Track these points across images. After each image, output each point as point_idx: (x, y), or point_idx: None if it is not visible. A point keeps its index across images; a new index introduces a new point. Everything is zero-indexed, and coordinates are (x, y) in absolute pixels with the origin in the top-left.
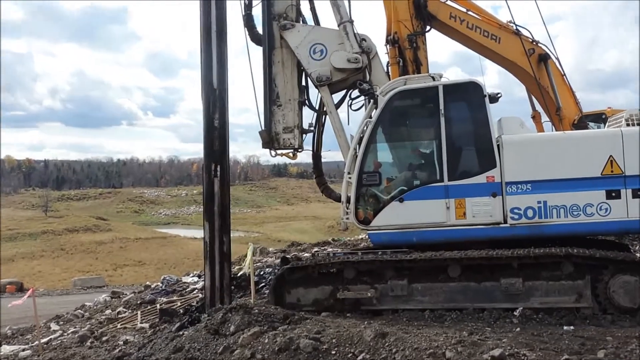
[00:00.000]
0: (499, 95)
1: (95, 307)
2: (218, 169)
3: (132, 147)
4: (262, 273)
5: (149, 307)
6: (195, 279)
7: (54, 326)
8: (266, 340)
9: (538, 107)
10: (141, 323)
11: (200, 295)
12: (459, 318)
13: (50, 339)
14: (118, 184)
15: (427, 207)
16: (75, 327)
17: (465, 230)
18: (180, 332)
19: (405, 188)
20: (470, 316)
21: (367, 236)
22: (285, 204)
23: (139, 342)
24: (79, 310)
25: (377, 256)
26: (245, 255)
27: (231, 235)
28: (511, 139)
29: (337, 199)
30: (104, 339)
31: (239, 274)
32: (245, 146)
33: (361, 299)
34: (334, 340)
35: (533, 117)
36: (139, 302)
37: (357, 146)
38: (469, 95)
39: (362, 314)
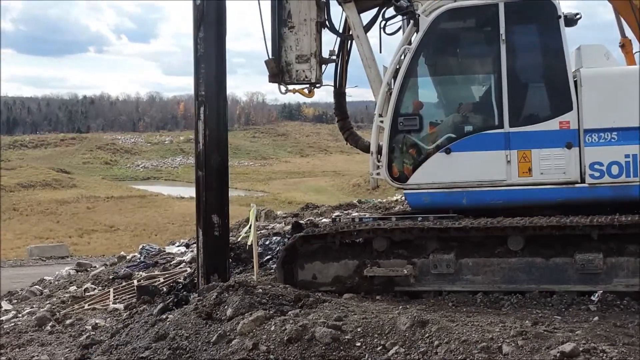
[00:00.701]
0: (577, 16)
1: (56, 283)
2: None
3: (101, 81)
4: (267, 243)
5: (123, 284)
6: (183, 249)
7: (5, 305)
8: (272, 328)
9: (629, 33)
10: (114, 303)
11: (189, 270)
12: (521, 303)
13: (2, 320)
14: (84, 128)
15: (482, 160)
16: (32, 307)
17: (530, 191)
18: (164, 316)
19: (453, 136)
20: (535, 301)
21: (403, 197)
22: (298, 155)
23: (111, 327)
24: (37, 286)
25: (415, 222)
26: (247, 220)
27: (229, 194)
28: (593, 73)
29: (366, 148)
30: (68, 322)
31: (238, 243)
32: (246, 80)
33: (395, 278)
34: (359, 330)
35: (622, 46)
36: (111, 277)
37: (392, 81)
38: (538, 16)
39: (396, 297)
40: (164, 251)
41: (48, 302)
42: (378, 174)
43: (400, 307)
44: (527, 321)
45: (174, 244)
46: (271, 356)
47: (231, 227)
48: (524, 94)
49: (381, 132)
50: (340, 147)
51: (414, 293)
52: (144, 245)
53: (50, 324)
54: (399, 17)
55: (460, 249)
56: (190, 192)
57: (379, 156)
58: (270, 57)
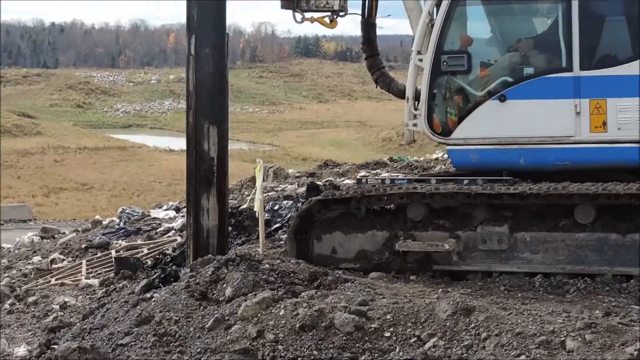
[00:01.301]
0: None
1: (17, 252)
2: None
3: (73, 6)
4: (276, 208)
5: (98, 255)
6: (172, 213)
7: None
8: (281, 312)
9: None
10: (87, 278)
11: (179, 239)
12: (589, 289)
13: None
14: (52, 63)
15: (544, 111)
16: None
17: (604, 151)
18: (148, 295)
19: (509, 79)
20: (608, 287)
21: (445, 154)
22: (315, 100)
23: (83, 307)
24: None
25: (460, 186)
26: (251, 180)
27: (229, 147)
28: None
29: (400, 93)
30: (31, 300)
31: (240, 208)
32: (251, 7)
33: (433, 254)
34: (388, 317)
35: None
36: (83, 246)
37: (434, 10)
38: None
39: (434, 278)
40: (149, 216)
41: (6, 275)
42: (415, 125)
43: (440, 290)
44: (597, 311)
45: (160, 208)
46: (279, 346)
47: (231, 188)
48: (600, 30)
49: (419, 74)
50: (367, 91)
51: (457, 273)
52: (124, 208)
53: (9, 302)
54: None
55: (516, 221)
56: (181, 143)
57: (416, 103)
58: None
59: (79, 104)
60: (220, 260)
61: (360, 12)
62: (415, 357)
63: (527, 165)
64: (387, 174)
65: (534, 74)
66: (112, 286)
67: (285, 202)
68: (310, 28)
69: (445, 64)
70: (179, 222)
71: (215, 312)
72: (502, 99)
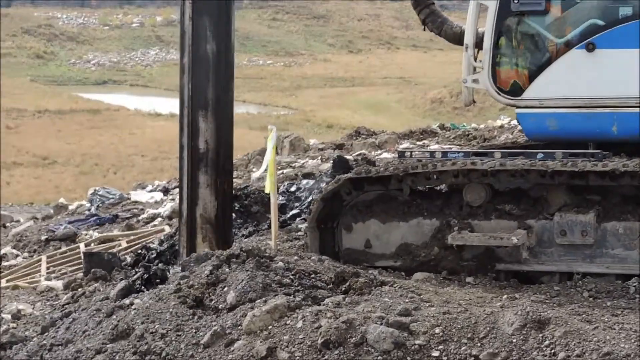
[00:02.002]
0: None
1: None
2: None
3: None
4: (293, 189)
5: (63, 250)
6: (159, 195)
7: None
8: (299, 324)
9: None
10: (48, 279)
11: (168, 229)
12: None
13: None
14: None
15: None
16: None
17: None
18: (126, 301)
19: (600, 23)
20: None
21: (514, 120)
22: (345, 50)
23: (42, 316)
24: None
25: (533, 161)
26: (261, 154)
27: (235, 110)
28: None
29: (456, 39)
30: None
31: (246, 190)
32: None
33: (497, 250)
34: (437, 331)
35: None
36: (43, 237)
37: None
38: None
39: (498, 280)
40: (129, 199)
41: None
42: (475, 81)
43: (505, 296)
44: None
45: (143, 188)
46: None
47: (235, 164)
48: None
49: (483, 15)
50: (412, 38)
51: (528, 275)
52: (97, 189)
53: None
54: None
55: (605, 207)
56: (171, 105)
57: (477, 52)
58: None
59: (39, 54)
60: (220, 257)
61: None
62: None
63: (621, 134)
64: (437, 146)
65: (632, 16)
66: (80, 290)
67: (304, 181)
68: None
69: (516, 2)
70: (167, 207)
71: (214, 323)
72: (591, 47)
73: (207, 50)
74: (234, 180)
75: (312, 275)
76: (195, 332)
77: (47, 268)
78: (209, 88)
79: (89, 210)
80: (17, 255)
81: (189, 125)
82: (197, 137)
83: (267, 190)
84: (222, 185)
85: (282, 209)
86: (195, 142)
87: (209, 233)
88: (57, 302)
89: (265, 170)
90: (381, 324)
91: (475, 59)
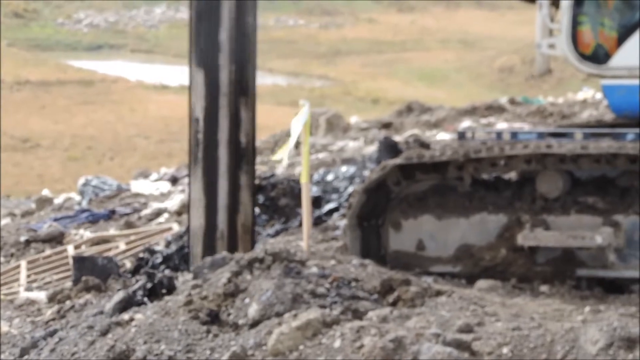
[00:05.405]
0: None
1: None
2: None
3: None
4: (330, 178)
5: (47, 253)
6: (165, 186)
7: None
8: (337, 343)
9: None
10: (28, 290)
11: (177, 228)
12: None
13: None
14: None
15: None
16: None
17: None
18: (126, 316)
19: None
20: None
21: (598, 93)
22: (394, 8)
23: (21, 335)
24: None
25: (622, 144)
26: (288, 135)
27: (257, 82)
28: None
29: None
30: None
31: (272, 179)
32: None
33: (578, 252)
34: (504, 351)
35: None
36: (23, 238)
37: None
38: None
39: (579, 289)
40: (129, 190)
41: None
42: (551, 46)
43: (588, 309)
44: None
45: (147, 177)
46: None
47: (259, 148)
48: None
49: None
50: None
51: (615, 282)
52: (89, 178)
53: None
54: None
55: None
56: (181, 75)
57: (554, 11)
58: None
59: (17, 12)
60: (240, 261)
61: None
62: None
63: None
64: (505, 125)
65: None
66: (67, 303)
67: (344, 168)
68: None
69: None
70: (176, 201)
71: (232, 342)
72: None
73: (249, 23)
74: (258, 167)
75: (353, 284)
76: (210, 354)
77: (28, 276)
78: (249, 69)
79: (80, 204)
80: None
81: (231, 117)
82: (239, 130)
83: (302, 180)
84: (242, 173)
85: (317, 202)
86: (237, 137)
87: (247, 245)
88: (39, 318)
89: (296, 154)
90: (437, 342)
91: (551, 20)
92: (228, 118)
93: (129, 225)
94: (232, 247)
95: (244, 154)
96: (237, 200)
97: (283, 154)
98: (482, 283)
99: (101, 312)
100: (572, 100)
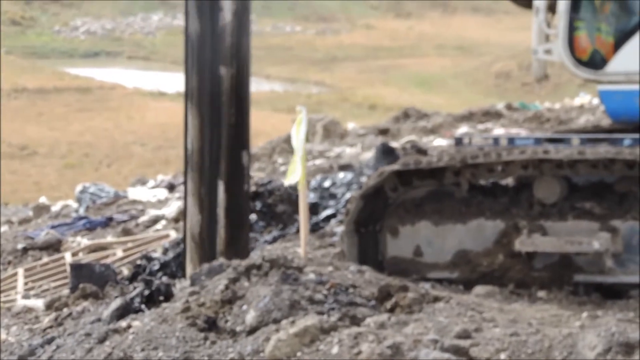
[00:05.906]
0: None
1: None
2: None
3: None
4: (327, 185)
5: (45, 261)
6: (162, 193)
7: None
8: (335, 350)
9: None
10: (26, 298)
11: (174, 235)
12: None
13: None
14: None
15: None
16: None
17: None
18: (123, 323)
19: None
20: None
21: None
22: (391, 13)
23: (19, 343)
24: None
25: (619, 149)
26: (287, 142)
27: (251, 89)
28: None
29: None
30: None
31: (269, 185)
32: None
33: (576, 257)
34: (502, 357)
35: None
36: (20, 246)
37: None
38: None
39: (576, 295)
40: (126, 197)
41: None
42: (548, 52)
43: (585, 314)
44: None
45: (144, 184)
46: None
47: (257, 153)
48: None
49: None
50: None
51: (613, 288)
52: (86, 185)
53: None
54: None
55: None
56: (177, 82)
57: (550, 16)
58: None
59: (15, 20)
60: (238, 268)
61: None
62: None
63: None
64: (502, 130)
65: None
66: (65, 310)
67: (341, 174)
68: None
69: None
70: (173, 208)
71: (230, 349)
72: None
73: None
74: (255, 173)
75: (350, 290)
76: None
77: (25, 283)
78: (243, 75)
79: (77, 211)
80: None
81: (225, 124)
82: (233, 137)
83: (296, 184)
84: (238, 179)
85: (314, 208)
86: (232, 143)
87: (243, 252)
88: (37, 326)
89: (293, 160)
90: (434, 348)
91: (548, 25)
92: (222, 125)
93: (126, 232)
94: (229, 254)
95: (239, 161)
96: (233, 207)
97: (295, 177)
98: (479, 289)
99: (99, 320)
100: (569, 106)
